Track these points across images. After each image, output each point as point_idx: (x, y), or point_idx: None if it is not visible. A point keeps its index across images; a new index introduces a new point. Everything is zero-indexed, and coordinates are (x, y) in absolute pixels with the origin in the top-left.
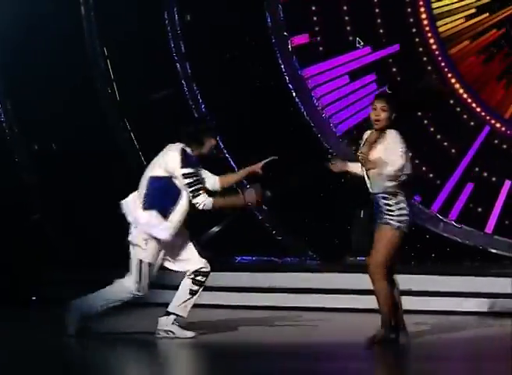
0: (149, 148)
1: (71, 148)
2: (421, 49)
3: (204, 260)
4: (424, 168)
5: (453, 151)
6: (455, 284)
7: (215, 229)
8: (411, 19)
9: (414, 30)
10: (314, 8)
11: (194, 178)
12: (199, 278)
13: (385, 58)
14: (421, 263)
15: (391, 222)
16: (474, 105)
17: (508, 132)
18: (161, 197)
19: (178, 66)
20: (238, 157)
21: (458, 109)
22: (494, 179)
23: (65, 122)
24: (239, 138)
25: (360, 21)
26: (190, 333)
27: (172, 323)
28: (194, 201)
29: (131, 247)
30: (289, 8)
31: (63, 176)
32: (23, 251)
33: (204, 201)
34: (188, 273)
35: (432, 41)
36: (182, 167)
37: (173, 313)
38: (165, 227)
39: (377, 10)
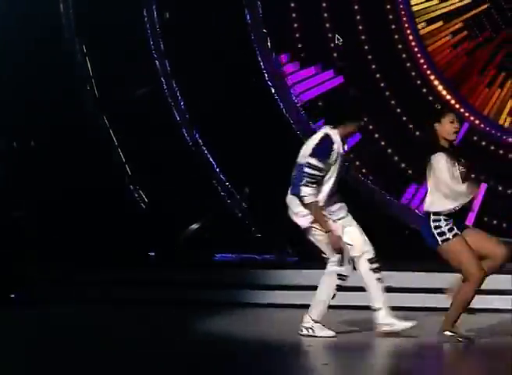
0: (128, 145)
1: (50, 146)
2: (400, 46)
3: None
4: (403, 165)
5: None
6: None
7: (195, 226)
8: (390, 16)
9: (393, 26)
10: (293, 5)
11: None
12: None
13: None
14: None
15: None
16: (453, 101)
17: (487, 128)
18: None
19: (157, 63)
20: (217, 153)
21: (437, 106)
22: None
23: (44, 119)
24: (218, 134)
25: (340, 18)
26: (330, 333)
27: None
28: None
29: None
30: (269, 5)
31: (42, 173)
32: (3, 250)
33: (303, 193)
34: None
35: (411, 37)
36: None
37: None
38: (303, 215)
39: (356, 7)
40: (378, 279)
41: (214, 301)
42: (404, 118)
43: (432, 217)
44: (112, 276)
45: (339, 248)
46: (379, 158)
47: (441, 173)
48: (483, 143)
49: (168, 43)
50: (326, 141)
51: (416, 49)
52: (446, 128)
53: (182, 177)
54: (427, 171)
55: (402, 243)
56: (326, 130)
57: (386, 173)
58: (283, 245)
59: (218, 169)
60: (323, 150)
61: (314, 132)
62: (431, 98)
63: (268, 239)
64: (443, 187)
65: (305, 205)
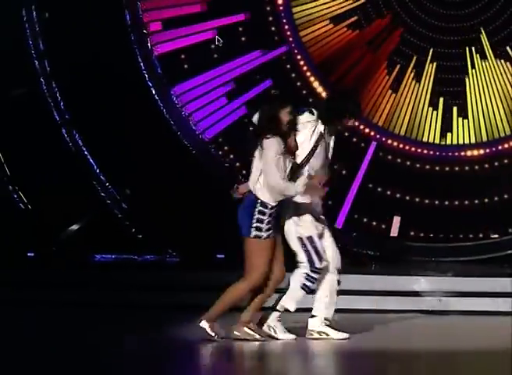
0: (6, 146)
1: None
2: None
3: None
4: None
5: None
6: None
7: (75, 227)
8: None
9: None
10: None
11: None
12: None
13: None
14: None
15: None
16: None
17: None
18: None
19: (36, 63)
20: (97, 153)
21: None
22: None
23: None
24: (98, 135)
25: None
26: (344, 335)
27: (324, 325)
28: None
29: None
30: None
31: None
32: None
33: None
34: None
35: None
36: None
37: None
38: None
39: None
40: (337, 291)
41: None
42: None
43: (259, 208)
44: None
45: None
46: None
47: (268, 163)
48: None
49: (47, 43)
50: None
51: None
52: (284, 119)
53: (62, 178)
54: (257, 151)
55: None
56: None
57: None
58: (164, 246)
59: (98, 170)
60: None
61: (195, 133)
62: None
63: (149, 240)
64: (267, 177)
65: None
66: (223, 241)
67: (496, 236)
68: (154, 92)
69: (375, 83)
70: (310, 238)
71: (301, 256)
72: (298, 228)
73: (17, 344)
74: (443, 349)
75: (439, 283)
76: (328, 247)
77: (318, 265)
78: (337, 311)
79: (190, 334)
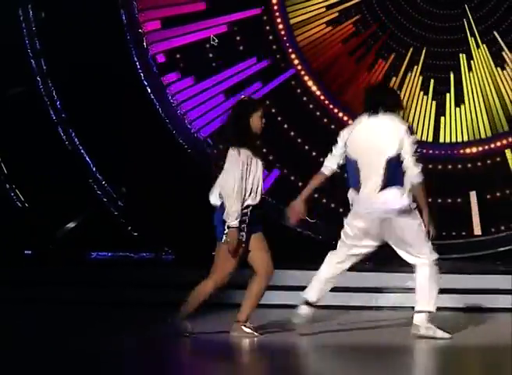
0: (4, 145)
1: None
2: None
3: None
4: (285, 170)
5: (314, 154)
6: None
7: (71, 225)
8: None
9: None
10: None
11: None
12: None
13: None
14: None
15: None
16: (331, 106)
17: None
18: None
19: (33, 62)
20: (94, 152)
21: (318, 113)
22: None
23: None
24: (95, 134)
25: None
26: (446, 334)
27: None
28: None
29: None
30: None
31: None
32: None
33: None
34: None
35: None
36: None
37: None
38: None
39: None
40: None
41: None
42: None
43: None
44: None
45: None
46: None
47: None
48: None
49: (44, 42)
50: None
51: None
52: (256, 123)
53: (58, 176)
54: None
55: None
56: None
57: None
58: (160, 244)
59: (94, 169)
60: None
61: (190, 132)
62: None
63: (145, 237)
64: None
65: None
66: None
67: (479, 234)
68: (149, 91)
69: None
70: None
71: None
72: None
73: (15, 341)
74: (434, 345)
75: None
76: None
77: None
78: (330, 307)
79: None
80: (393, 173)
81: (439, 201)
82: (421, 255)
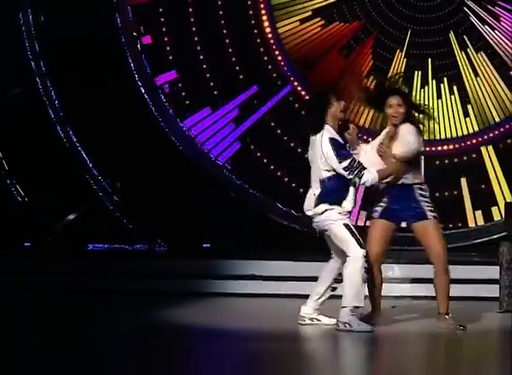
0: (5, 143)
1: None
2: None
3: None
4: (272, 167)
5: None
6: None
7: (69, 218)
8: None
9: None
10: (161, 10)
11: (352, 163)
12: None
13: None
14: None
15: (432, 214)
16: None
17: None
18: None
19: (32, 64)
20: (90, 150)
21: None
22: None
23: None
24: (91, 132)
25: (206, 23)
26: (369, 327)
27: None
28: (361, 182)
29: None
30: (138, 10)
31: None
32: None
33: (367, 179)
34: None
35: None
36: (340, 162)
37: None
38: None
39: (221, 12)
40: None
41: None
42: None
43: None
44: None
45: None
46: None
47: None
48: None
49: (43, 44)
50: (335, 141)
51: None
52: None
53: (57, 172)
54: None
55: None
56: (325, 133)
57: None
58: (153, 236)
59: (91, 165)
60: (340, 147)
61: (181, 129)
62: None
63: (139, 230)
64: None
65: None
66: (209, 231)
67: (450, 226)
68: (143, 91)
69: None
70: None
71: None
72: None
73: (15, 331)
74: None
75: (408, 271)
76: None
77: None
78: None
79: (179, 319)
80: (328, 191)
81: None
82: (348, 253)
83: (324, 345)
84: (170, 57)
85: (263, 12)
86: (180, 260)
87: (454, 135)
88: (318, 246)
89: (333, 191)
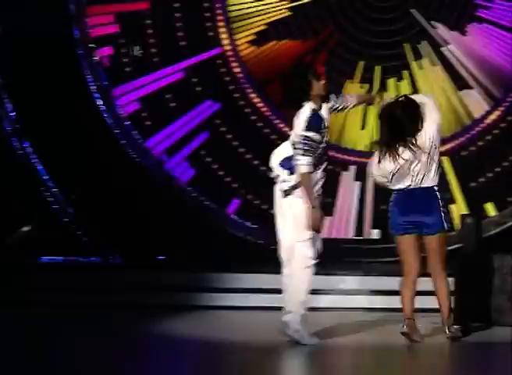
0: None
1: None
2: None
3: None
4: (222, 172)
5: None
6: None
7: (23, 230)
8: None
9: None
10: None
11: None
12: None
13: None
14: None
15: (447, 223)
16: (277, 121)
17: None
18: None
19: None
20: (45, 161)
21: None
22: None
23: None
24: (46, 144)
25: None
26: (314, 340)
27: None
28: (297, 161)
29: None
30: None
31: None
32: None
33: (299, 164)
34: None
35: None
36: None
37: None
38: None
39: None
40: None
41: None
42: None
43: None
44: None
45: (318, 227)
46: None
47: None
48: None
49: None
50: (315, 114)
51: (241, 75)
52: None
53: (11, 184)
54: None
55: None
56: (311, 105)
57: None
58: (107, 248)
59: (45, 177)
60: (316, 122)
61: (137, 141)
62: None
63: (93, 242)
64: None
65: (300, 175)
66: (163, 243)
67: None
68: (99, 102)
69: None
70: None
71: None
72: None
73: None
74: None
75: (365, 283)
76: None
77: None
78: (263, 309)
79: (136, 332)
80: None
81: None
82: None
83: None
84: (128, 69)
85: (220, 24)
86: (135, 272)
87: None
88: (273, 258)
89: None
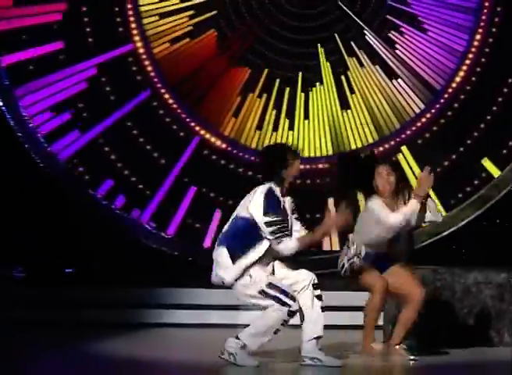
0: None
1: None
2: (134, 68)
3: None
4: (134, 179)
5: (163, 161)
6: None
7: None
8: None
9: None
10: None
11: (278, 225)
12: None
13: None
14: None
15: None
16: (184, 116)
17: (218, 143)
18: (239, 238)
19: None
20: None
21: (168, 120)
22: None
23: None
24: None
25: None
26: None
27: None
28: (278, 248)
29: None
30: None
31: None
32: None
33: (286, 247)
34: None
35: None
36: (265, 214)
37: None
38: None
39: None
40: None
41: None
42: (135, 131)
43: None
44: None
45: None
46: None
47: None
48: (213, 157)
49: None
50: (273, 193)
51: (151, 71)
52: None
53: None
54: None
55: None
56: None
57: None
58: (11, 261)
59: None
60: (273, 203)
61: (44, 149)
62: (162, 112)
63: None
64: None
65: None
66: (72, 256)
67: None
68: (1, 105)
69: (219, 88)
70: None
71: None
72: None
73: None
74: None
75: None
76: None
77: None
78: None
79: (39, 349)
80: (234, 233)
81: (308, 216)
82: None
83: None
84: (31, 66)
85: (135, 32)
86: (40, 287)
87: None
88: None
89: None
